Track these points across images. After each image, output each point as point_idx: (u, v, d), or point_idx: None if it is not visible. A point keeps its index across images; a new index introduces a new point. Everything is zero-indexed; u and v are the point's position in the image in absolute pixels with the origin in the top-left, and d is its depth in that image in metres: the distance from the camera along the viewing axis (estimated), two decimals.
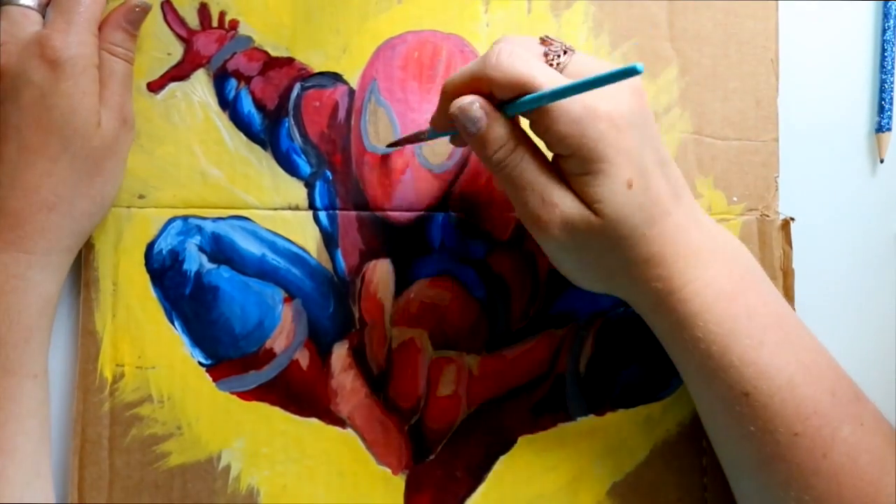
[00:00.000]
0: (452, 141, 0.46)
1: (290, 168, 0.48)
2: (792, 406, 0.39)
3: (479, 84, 0.39)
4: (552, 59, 0.39)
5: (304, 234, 0.48)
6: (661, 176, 0.40)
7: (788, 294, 0.48)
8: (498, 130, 0.39)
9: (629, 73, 0.33)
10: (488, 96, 0.39)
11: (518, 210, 0.40)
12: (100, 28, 0.46)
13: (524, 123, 0.40)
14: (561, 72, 0.39)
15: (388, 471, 0.47)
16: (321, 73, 0.48)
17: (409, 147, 0.48)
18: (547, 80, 0.37)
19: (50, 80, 0.43)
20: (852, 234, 0.50)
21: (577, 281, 0.42)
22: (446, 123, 0.41)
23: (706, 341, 0.40)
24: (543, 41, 0.40)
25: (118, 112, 0.46)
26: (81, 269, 0.47)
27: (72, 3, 0.44)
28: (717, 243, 0.41)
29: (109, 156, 0.45)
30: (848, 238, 0.50)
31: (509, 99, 0.39)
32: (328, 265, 0.48)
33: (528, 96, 0.38)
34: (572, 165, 0.38)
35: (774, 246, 0.48)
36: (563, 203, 0.39)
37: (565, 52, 0.40)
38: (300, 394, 0.47)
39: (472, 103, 0.39)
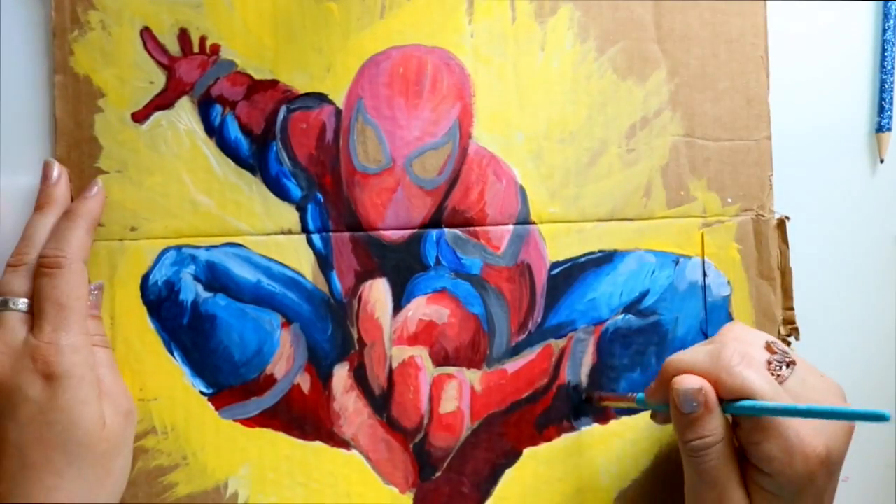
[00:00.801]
0: (653, 417, 0.46)
1: (281, 192, 0.48)
2: None
3: (707, 377, 0.39)
4: (775, 370, 0.40)
5: (298, 257, 0.48)
6: (828, 497, 0.40)
7: (787, 293, 0.48)
8: (710, 422, 0.39)
9: (876, 418, 0.32)
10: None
11: (688, 493, 0.41)
12: None
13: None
14: (781, 383, 0.39)
15: (396, 490, 0.47)
16: (306, 95, 0.48)
17: (399, 164, 0.48)
18: (770, 394, 0.38)
19: (47, 395, 0.42)
20: (852, 234, 0.50)
21: None
22: (658, 399, 0.42)
23: None
24: (769, 347, 0.41)
25: (119, 405, 0.44)
26: None
27: (57, 308, 0.43)
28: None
29: (117, 455, 0.44)
30: (848, 238, 0.49)
31: (728, 398, 0.39)
32: (324, 287, 0.48)
33: (751, 402, 0.38)
34: (763, 481, 0.39)
35: (771, 245, 0.48)
36: None
37: (788, 366, 0.40)
38: (303, 418, 0.47)
39: (699, 390, 0.39)
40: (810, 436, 0.38)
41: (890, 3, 0.49)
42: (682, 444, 0.41)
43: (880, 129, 0.49)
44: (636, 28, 0.48)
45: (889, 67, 0.49)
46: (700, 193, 0.48)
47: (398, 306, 0.48)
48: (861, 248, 0.50)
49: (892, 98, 0.49)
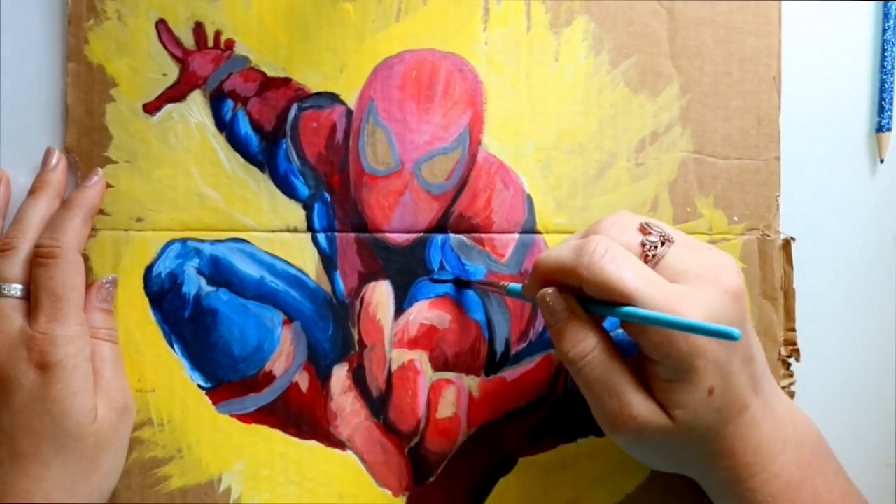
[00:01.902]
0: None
1: (288, 190, 0.48)
2: None
3: (570, 275, 0.38)
4: (649, 251, 0.39)
5: (302, 256, 0.48)
6: (744, 374, 0.39)
7: (790, 315, 0.48)
8: (578, 329, 0.38)
9: (724, 335, 0.33)
10: (577, 289, 0.39)
11: (592, 408, 0.40)
12: None
13: None
14: (656, 265, 0.38)
15: (389, 493, 0.47)
16: (318, 94, 0.48)
17: (407, 167, 0.48)
18: (638, 287, 0.37)
19: (39, 384, 0.42)
20: (852, 233, 0.50)
21: (649, 465, 0.43)
22: (532, 295, 0.41)
23: None
24: (643, 229, 0.40)
25: (115, 400, 0.44)
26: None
27: (52, 298, 0.43)
28: (787, 431, 0.41)
29: (107, 449, 0.44)
30: (848, 238, 0.49)
31: (598, 299, 0.38)
32: (327, 287, 0.48)
33: (617, 309, 0.37)
34: (659, 370, 0.38)
35: (775, 266, 0.48)
36: (638, 409, 0.38)
37: (663, 243, 0.39)
38: (300, 416, 0.47)
39: (555, 297, 0.38)
40: (685, 313, 0.36)
41: (890, 3, 0.49)
42: (561, 357, 0.39)
43: (880, 129, 0.49)
44: (650, 43, 0.48)
45: (889, 67, 0.49)
46: (707, 210, 0.48)
47: (400, 309, 0.48)
48: (861, 247, 0.50)
49: (892, 98, 0.49)
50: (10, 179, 0.47)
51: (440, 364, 0.48)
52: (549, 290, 0.39)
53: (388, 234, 0.48)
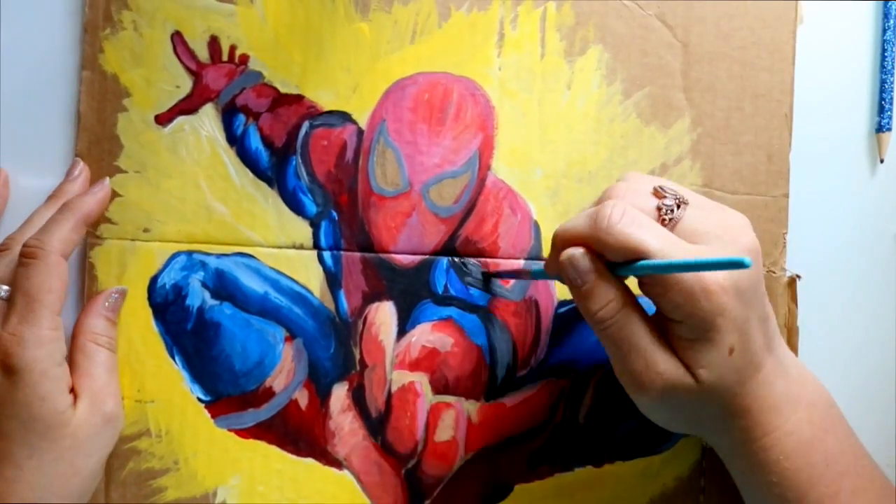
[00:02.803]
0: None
1: (296, 207, 0.48)
2: None
3: (590, 242, 0.38)
4: (665, 214, 0.39)
5: (307, 273, 0.48)
6: (760, 333, 0.40)
7: (793, 349, 0.48)
8: (605, 289, 0.38)
9: (737, 265, 0.33)
10: (599, 253, 0.39)
11: (616, 367, 0.40)
12: (81, 317, 0.45)
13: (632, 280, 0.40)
14: (673, 227, 0.39)
15: None
16: (330, 112, 0.48)
17: (416, 189, 0.48)
18: (660, 246, 0.37)
19: (6, 388, 0.41)
20: (852, 234, 0.50)
21: (662, 425, 0.42)
22: (555, 269, 0.40)
23: (782, 486, 0.40)
24: (657, 192, 0.40)
25: (100, 405, 0.44)
26: (84, 300, 0.47)
27: (27, 300, 0.42)
28: (799, 391, 0.41)
29: (87, 454, 0.43)
30: (848, 238, 0.49)
31: (616, 259, 0.38)
32: (331, 306, 0.48)
33: (638, 264, 0.37)
34: (679, 330, 0.38)
35: (780, 303, 0.48)
36: (665, 368, 0.38)
37: (679, 206, 0.39)
38: (298, 433, 0.47)
39: (582, 257, 0.38)
40: (710, 273, 0.37)
41: (890, 3, 0.49)
42: (588, 318, 0.39)
43: (880, 129, 0.49)
44: (663, 75, 0.48)
45: (889, 67, 0.49)
46: None
47: (402, 331, 0.48)
48: (861, 248, 0.50)
49: (892, 98, 0.49)
50: (12, 180, 0.47)
51: (440, 387, 0.48)
52: (577, 251, 0.38)
53: (393, 255, 0.48)
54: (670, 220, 0.39)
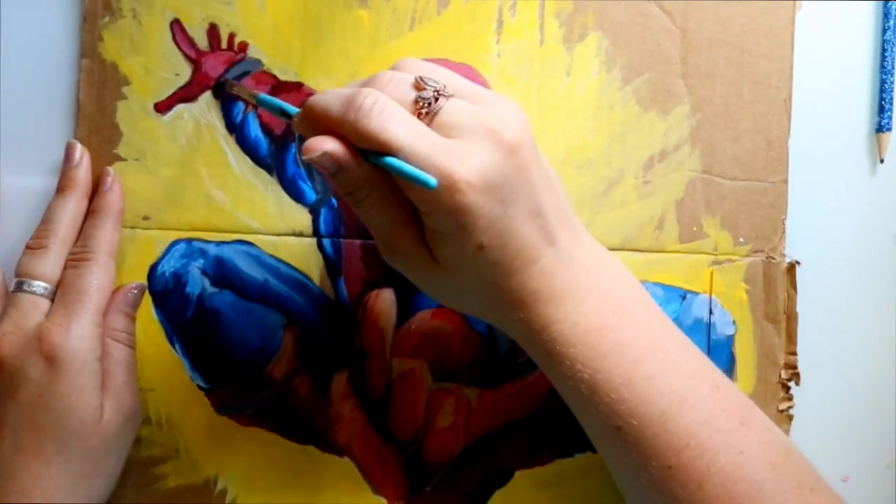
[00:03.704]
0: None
1: (296, 194, 0.48)
2: (664, 439, 0.38)
3: (337, 127, 0.37)
4: (422, 107, 0.37)
5: (307, 261, 0.48)
6: (531, 228, 0.38)
7: (791, 338, 0.48)
8: (349, 176, 0.37)
9: (421, 182, 0.34)
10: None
11: (372, 233, 0.40)
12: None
13: None
14: (431, 120, 0.37)
15: (384, 501, 0.47)
16: None
17: None
18: (408, 141, 0.36)
19: (47, 378, 0.42)
20: (852, 234, 0.50)
21: (431, 297, 0.42)
22: (302, 131, 0.39)
23: (574, 379, 0.39)
24: (417, 84, 0.38)
25: (124, 404, 0.44)
26: None
27: (76, 294, 0.43)
28: (590, 280, 0.40)
29: (111, 453, 0.44)
30: (848, 238, 0.49)
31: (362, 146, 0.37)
32: (330, 293, 0.48)
33: (381, 158, 0.36)
34: (428, 221, 0.38)
35: (779, 289, 0.48)
36: (409, 248, 0.39)
37: (437, 99, 0.38)
38: (298, 421, 0.47)
39: (324, 154, 0.37)
40: (458, 169, 0.36)
41: (890, 3, 0.49)
42: (343, 196, 0.39)
43: (880, 129, 0.49)
44: (663, 61, 0.48)
45: (889, 67, 0.49)
46: (713, 231, 0.48)
47: (402, 318, 0.48)
48: (861, 248, 0.50)
49: (892, 98, 0.49)
50: (12, 170, 0.47)
51: (441, 374, 0.48)
52: (328, 145, 0.36)
53: None
54: (426, 112, 0.37)
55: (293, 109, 0.40)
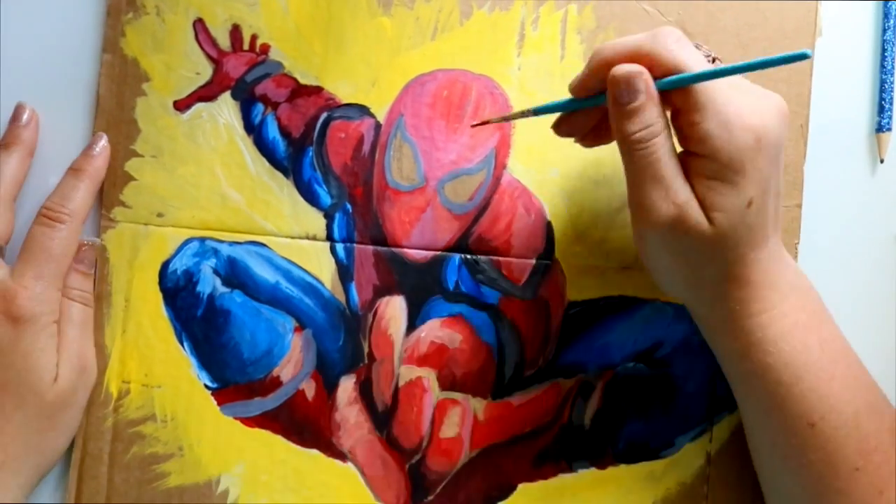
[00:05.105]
0: (556, 127, 0.44)
1: (311, 198, 0.48)
2: (855, 440, 0.39)
3: (639, 58, 0.39)
4: (709, 57, 0.40)
5: (319, 264, 0.48)
6: (773, 205, 0.40)
7: None
8: (651, 109, 0.38)
9: (799, 57, 0.34)
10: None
11: (633, 194, 0.40)
12: None
13: None
14: None
15: None
16: (349, 105, 0.48)
17: (431, 185, 0.48)
18: (706, 68, 0.38)
19: (10, 337, 0.43)
20: (852, 234, 0.50)
21: (660, 281, 0.42)
22: (588, 89, 0.41)
23: (777, 369, 0.40)
24: (699, 47, 0.40)
25: (77, 361, 0.45)
26: (96, 283, 0.47)
27: (44, 256, 0.44)
28: (795, 277, 0.42)
29: (65, 408, 0.45)
30: (848, 238, 0.50)
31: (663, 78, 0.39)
32: (341, 298, 0.48)
33: (687, 74, 0.38)
34: (705, 167, 0.38)
35: None
36: (684, 202, 0.38)
37: (714, 61, 0.40)
38: (303, 424, 0.47)
39: (639, 74, 0.38)
40: (747, 113, 0.38)
41: (890, 3, 0.49)
42: (624, 138, 0.39)
43: (880, 129, 0.49)
44: None
45: (889, 67, 0.49)
46: None
47: (412, 326, 0.48)
48: (861, 248, 0.50)
49: (892, 98, 0.49)
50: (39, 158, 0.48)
51: (448, 384, 0.48)
52: (635, 67, 0.38)
53: (406, 250, 0.48)
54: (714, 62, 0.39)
55: (565, 100, 0.42)
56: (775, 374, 0.40)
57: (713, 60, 0.40)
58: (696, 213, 0.38)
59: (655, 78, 0.38)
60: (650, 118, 0.38)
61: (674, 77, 0.38)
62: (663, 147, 0.39)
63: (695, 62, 0.38)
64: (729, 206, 0.38)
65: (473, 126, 0.47)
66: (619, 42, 0.39)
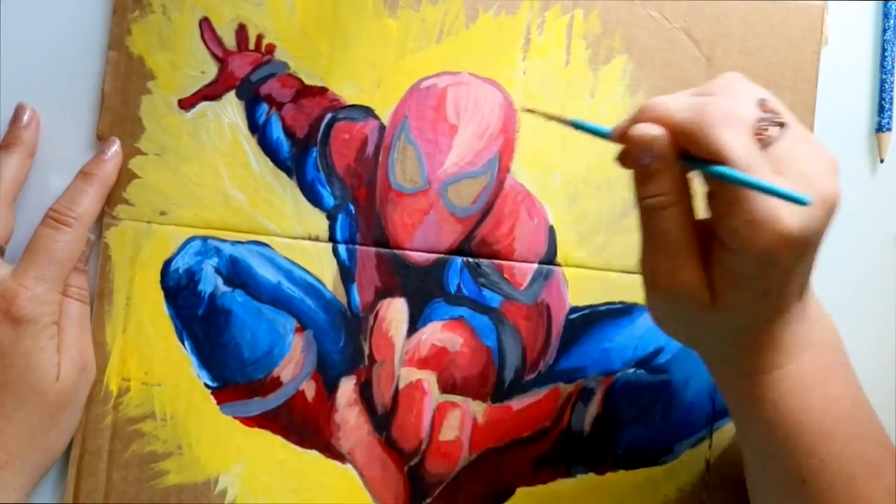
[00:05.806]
0: (620, 159, 0.39)
1: (314, 198, 0.48)
2: (846, 501, 0.39)
3: (679, 129, 0.35)
4: (763, 128, 0.36)
5: (321, 265, 0.48)
6: (798, 282, 0.38)
7: None
8: (665, 178, 0.36)
9: (796, 201, 0.32)
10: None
11: (643, 257, 0.38)
12: None
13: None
14: (766, 146, 0.36)
15: None
16: (353, 106, 0.48)
17: (434, 188, 0.48)
18: (746, 163, 0.34)
19: (10, 337, 0.43)
20: (852, 234, 0.49)
21: (665, 330, 0.41)
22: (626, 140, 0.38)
23: (774, 425, 0.39)
24: (763, 105, 0.37)
25: (77, 359, 0.45)
26: (97, 280, 0.47)
27: (47, 258, 0.44)
28: (811, 334, 0.40)
29: (66, 406, 0.45)
30: (848, 238, 0.49)
31: (694, 154, 0.36)
32: (343, 299, 0.48)
33: (712, 168, 0.35)
34: (728, 259, 0.36)
35: None
36: (687, 280, 0.36)
37: (780, 126, 0.36)
38: (303, 425, 0.47)
39: (654, 140, 0.35)
40: (784, 213, 0.34)
41: (890, 3, 0.49)
42: (637, 200, 0.37)
43: (880, 129, 0.49)
44: (687, 88, 0.48)
45: (889, 67, 0.49)
46: None
47: (413, 328, 0.48)
48: (861, 248, 0.50)
49: (892, 98, 0.49)
50: (42, 157, 0.48)
51: (448, 387, 0.48)
52: (658, 131, 0.35)
53: (408, 252, 0.48)
54: (765, 138, 0.36)
55: (606, 129, 0.38)
56: (771, 428, 0.39)
57: (777, 125, 0.36)
58: (698, 294, 0.37)
59: (691, 153, 0.36)
60: (662, 187, 0.36)
61: (697, 161, 0.35)
62: (674, 221, 0.36)
63: (734, 151, 0.34)
64: (740, 298, 0.37)
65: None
66: (665, 105, 0.36)
